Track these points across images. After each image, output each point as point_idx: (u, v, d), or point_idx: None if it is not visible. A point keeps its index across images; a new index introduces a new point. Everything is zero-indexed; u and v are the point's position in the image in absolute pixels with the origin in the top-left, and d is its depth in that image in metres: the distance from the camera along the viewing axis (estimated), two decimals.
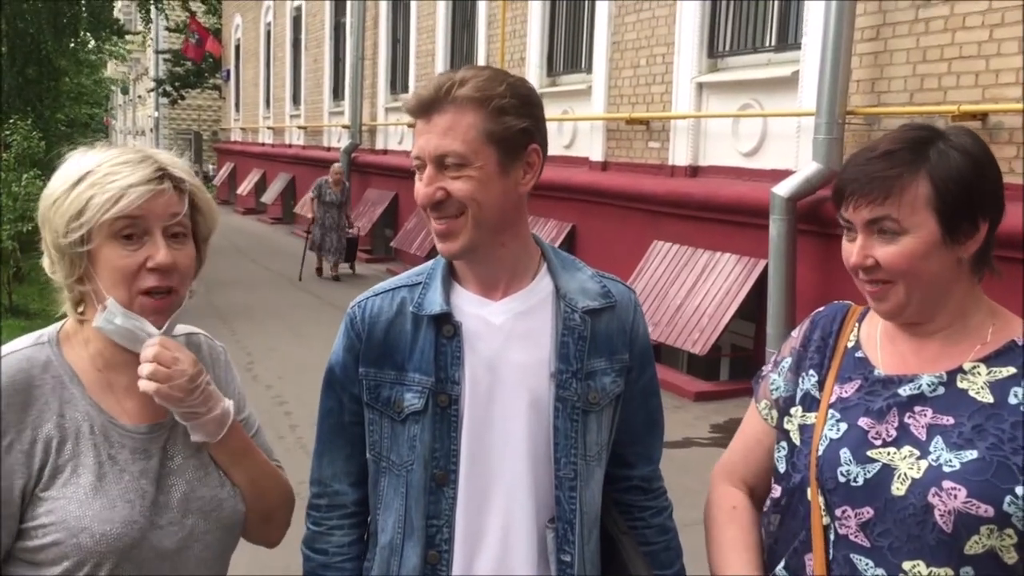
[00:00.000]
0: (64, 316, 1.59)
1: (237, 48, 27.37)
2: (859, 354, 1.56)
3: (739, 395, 7.17)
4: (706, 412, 6.86)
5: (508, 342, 1.61)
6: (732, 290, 7.39)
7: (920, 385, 1.46)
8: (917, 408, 1.45)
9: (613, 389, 1.67)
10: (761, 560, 1.61)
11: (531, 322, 1.63)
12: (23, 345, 1.53)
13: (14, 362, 1.49)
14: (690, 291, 7.80)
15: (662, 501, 1.81)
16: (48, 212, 1.49)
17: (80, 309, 1.54)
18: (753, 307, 7.36)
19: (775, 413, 1.65)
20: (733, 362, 8.26)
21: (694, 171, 8.36)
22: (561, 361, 1.61)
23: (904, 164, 1.42)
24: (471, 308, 1.63)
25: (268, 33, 23.83)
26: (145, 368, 1.48)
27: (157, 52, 34.50)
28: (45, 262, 1.54)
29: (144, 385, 1.48)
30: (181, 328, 1.64)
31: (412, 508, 1.60)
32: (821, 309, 1.68)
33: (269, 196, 21.58)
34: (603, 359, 1.65)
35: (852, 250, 1.48)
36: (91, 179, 1.47)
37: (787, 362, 1.66)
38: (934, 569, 1.37)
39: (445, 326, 1.60)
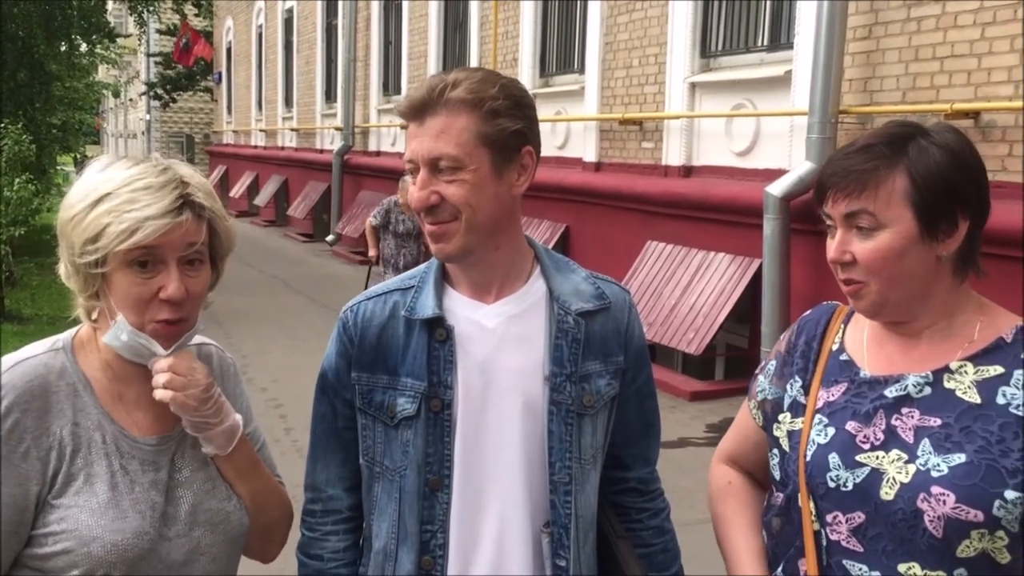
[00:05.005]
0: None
1: (229, 50, 27.30)
2: (844, 356, 1.55)
3: (734, 395, 7.16)
4: (701, 412, 6.85)
5: (501, 346, 1.60)
6: (726, 290, 7.38)
7: (906, 386, 1.44)
8: (904, 409, 1.43)
9: (608, 392, 1.65)
10: (758, 527, 1.63)
11: (524, 325, 1.61)
12: (39, 351, 1.51)
13: (31, 368, 1.48)
14: (684, 291, 7.79)
15: (659, 503, 1.80)
16: (65, 227, 1.47)
17: (93, 317, 1.52)
18: (747, 307, 7.35)
19: (760, 415, 1.66)
20: (728, 362, 8.25)
21: (688, 171, 8.35)
22: (555, 364, 1.59)
23: (881, 158, 1.41)
24: (464, 312, 1.61)
25: (260, 35, 23.77)
26: (161, 377, 1.47)
27: (148, 55, 34.33)
28: (61, 270, 1.52)
29: (160, 394, 1.47)
30: (194, 339, 1.62)
31: (406, 513, 1.59)
32: (808, 312, 1.67)
33: (262, 199, 21.55)
34: (597, 361, 1.64)
35: (831, 246, 1.47)
36: (109, 203, 1.43)
37: (772, 365, 1.65)
38: (928, 572, 1.36)
39: (438, 330, 1.59)
